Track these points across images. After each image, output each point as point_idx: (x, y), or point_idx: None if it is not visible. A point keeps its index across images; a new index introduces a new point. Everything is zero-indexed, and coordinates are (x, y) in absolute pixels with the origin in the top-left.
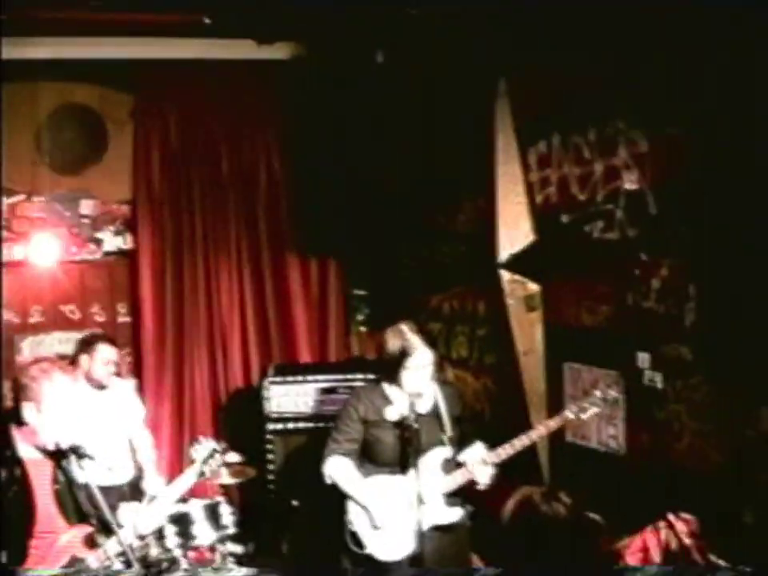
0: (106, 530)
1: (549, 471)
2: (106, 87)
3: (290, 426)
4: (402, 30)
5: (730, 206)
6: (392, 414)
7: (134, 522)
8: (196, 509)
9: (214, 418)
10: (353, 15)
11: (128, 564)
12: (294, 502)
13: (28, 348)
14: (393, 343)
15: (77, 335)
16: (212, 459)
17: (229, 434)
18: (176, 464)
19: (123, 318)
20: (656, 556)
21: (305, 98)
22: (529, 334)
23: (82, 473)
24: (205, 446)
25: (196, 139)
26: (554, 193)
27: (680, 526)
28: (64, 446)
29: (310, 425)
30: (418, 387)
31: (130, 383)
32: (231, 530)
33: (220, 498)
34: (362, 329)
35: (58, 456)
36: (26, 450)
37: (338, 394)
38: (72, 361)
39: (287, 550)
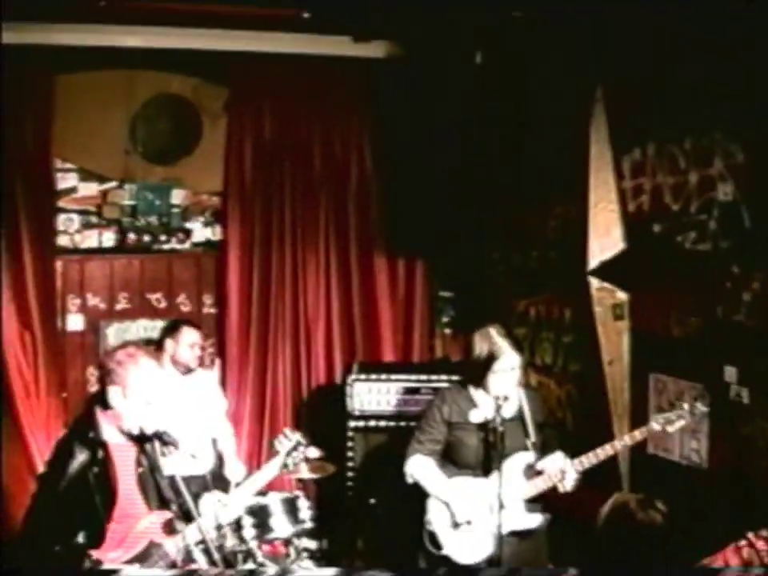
0: (186, 517)
1: (629, 482)
2: (202, 79)
3: (372, 423)
4: (503, 32)
5: None
6: (477, 416)
7: (215, 511)
8: (274, 502)
9: (294, 413)
10: (453, 15)
11: (207, 552)
12: (372, 501)
13: (113, 334)
14: (480, 346)
15: (162, 323)
16: (296, 452)
17: (309, 429)
18: (254, 457)
19: (209, 310)
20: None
21: (398, 97)
22: (615, 343)
23: (166, 459)
24: (290, 438)
25: (289, 134)
26: (646, 201)
27: (761, 545)
28: (149, 431)
29: (392, 424)
30: (503, 391)
31: (213, 373)
32: (308, 525)
33: (299, 493)
34: (447, 331)
35: (141, 441)
36: (110, 434)
37: (421, 395)
38: (157, 346)
39: (362, 548)
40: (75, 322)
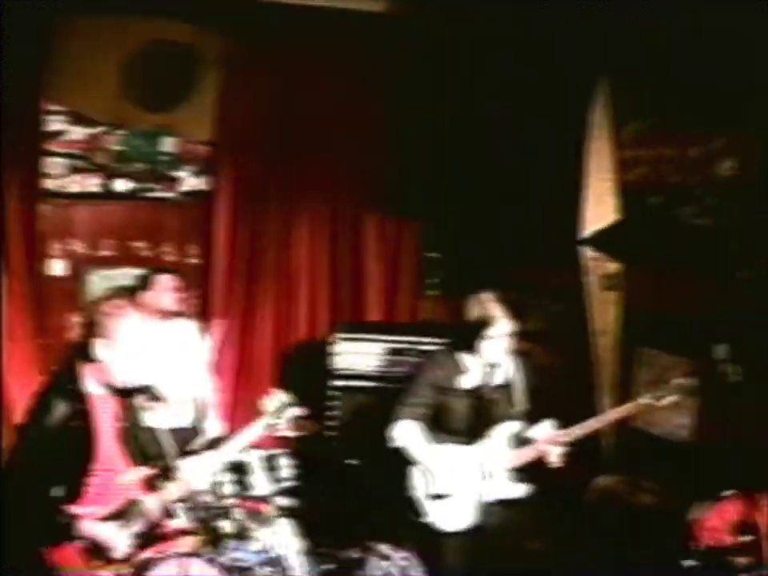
0: (167, 473)
1: (614, 456)
2: (200, 26)
3: (355, 383)
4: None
5: None
6: (466, 382)
7: (196, 468)
8: (255, 459)
9: (275, 368)
10: None
11: (190, 510)
12: (353, 461)
13: (96, 281)
14: (474, 311)
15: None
16: (282, 412)
17: (291, 386)
18: (232, 411)
19: (193, 260)
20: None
21: (402, 56)
22: (605, 314)
23: (150, 414)
24: (276, 398)
25: (286, 86)
26: (645, 173)
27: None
28: (135, 385)
29: (375, 384)
30: (495, 357)
31: (194, 324)
32: (289, 484)
33: (280, 450)
34: (433, 292)
35: (124, 395)
36: (92, 386)
37: (406, 356)
38: (134, 296)
39: (342, 508)
40: (57, 267)
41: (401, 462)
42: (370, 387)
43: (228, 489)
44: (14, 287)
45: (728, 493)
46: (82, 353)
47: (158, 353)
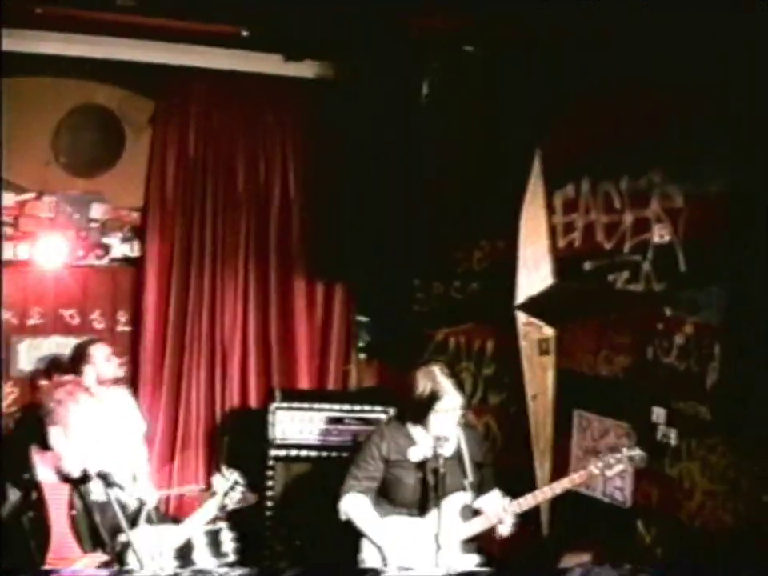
0: (120, 558)
1: (548, 517)
2: (128, 90)
3: (293, 453)
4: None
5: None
6: (416, 454)
7: (151, 548)
8: (198, 535)
9: (207, 438)
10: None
11: None
12: (297, 542)
13: (25, 351)
14: (423, 384)
15: (74, 340)
16: (233, 492)
17: (224, 456)
18: (164, 480)
19: (123, 327)
20: None
21: (327, 120)
22: (540, 378)
23: (106, 497)
24: (227, 477)
25: (214, 151)
26: (578, 238)
27: None
28: (92, 472)
29: (314, 453)
30: (444, 430)
31: (127, 392)
32: (231, 558)
33: (222, 525)
34: (362, 356)
35: (75, 481)
36: (44, 474)
37: (344, 425)
38: (73, 370)
39: None
40: None
41: (344, 532)
42: (308, 456)
43: (171, 564)
44: None
45: None
46: (37, 441)
47: (106, 434)
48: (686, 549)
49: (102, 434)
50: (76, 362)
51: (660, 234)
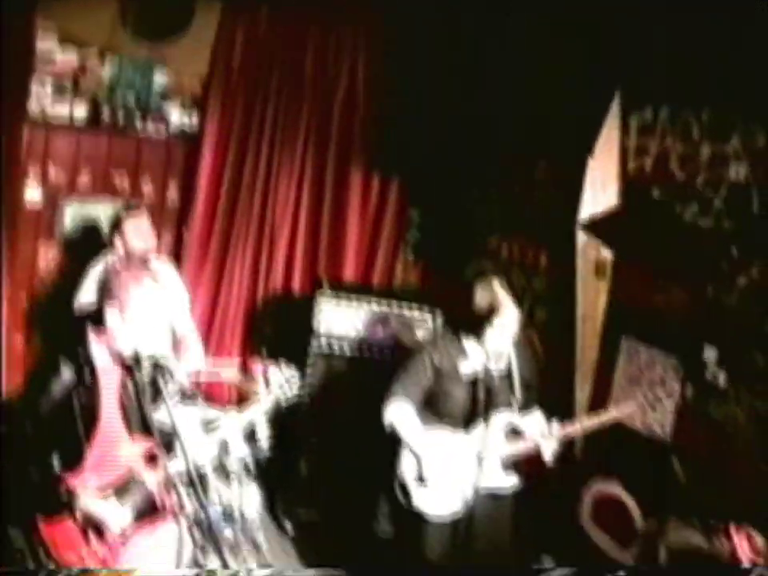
0: (168, 447)
1: (582, 443)
2: None
3: (336, 346)
4: None
5: None
6: (467, 367)
7: (200, 443)
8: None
9: (247, 321)
10: None
11: (190, 486)
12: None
13: (70, 216)
14: (482, 296)
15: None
16: (289, 387)
17: (262, 341)
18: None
19: (173, 199)
20: None
21: (404, 17)
22: (592, 300)
23: (156, 385)
24: (283, 372)
25: (284, 30)
26: (650, 164)
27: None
28: (144, 355)
29: (356, 350)
30: (499, 346)
31: (170, 267)
32: (265, 449)
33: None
34: (410, 256)
35: (131, 365)
36: (99, 354)
37: (390, 324)
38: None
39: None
40: (33, 195)
41: (383, 437)
42: (350, 352)
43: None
44: None
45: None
46: (93, 319)
47: (160, 316)
48: (718, 493)
49: (156, 316)
50: (110, 232)
51: (737, 172)
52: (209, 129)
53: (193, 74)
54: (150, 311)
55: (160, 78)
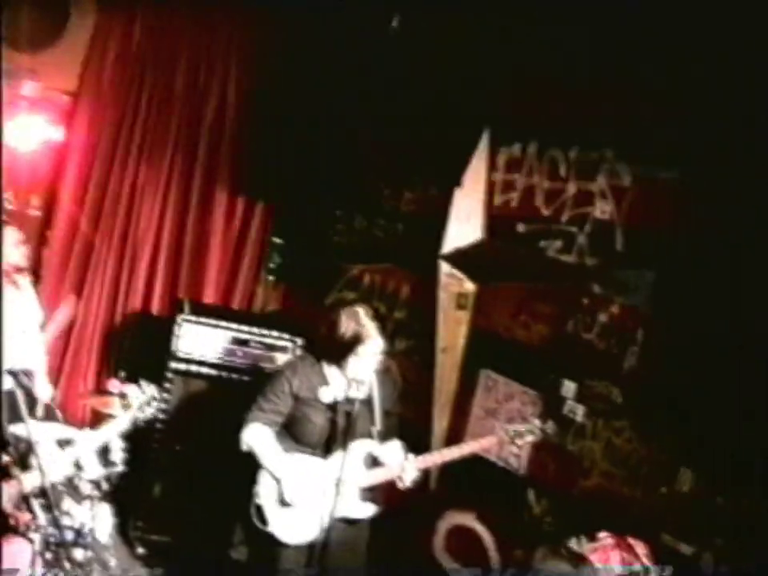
0: (23, 462)
1: (438, 472)
2: None
3: (194, 368)
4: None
5: (706, 263)
6: (327, 395)
7: (56, 458)
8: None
9: (103, 340)
10: None
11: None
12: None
13: None
14: (346, 325)
15: None
16: (148, 407)
17: (120, 361)
18: (54, 375)
19: (34, 212)
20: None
21: (279, 32)
22: (452, 332)
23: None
24: (144, 391)
25: (157, 46)
26: (515, 199)
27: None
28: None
29: (214, 372)
30: (361, 374)
31: (28, 281)
32: (119, 467)
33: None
34: (270, 278)
35: None
36: None
37: (250, 348)
38: None
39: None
40: None
41: (241, 459)
42: (208, 375)
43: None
44: None
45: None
46: None
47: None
48: (574, 526)
49: (16, 329)
50: None
51: (602, 210)
52: (75, 142)
53: (62, 88)
54: (10, 323)
55: (29, 90)
